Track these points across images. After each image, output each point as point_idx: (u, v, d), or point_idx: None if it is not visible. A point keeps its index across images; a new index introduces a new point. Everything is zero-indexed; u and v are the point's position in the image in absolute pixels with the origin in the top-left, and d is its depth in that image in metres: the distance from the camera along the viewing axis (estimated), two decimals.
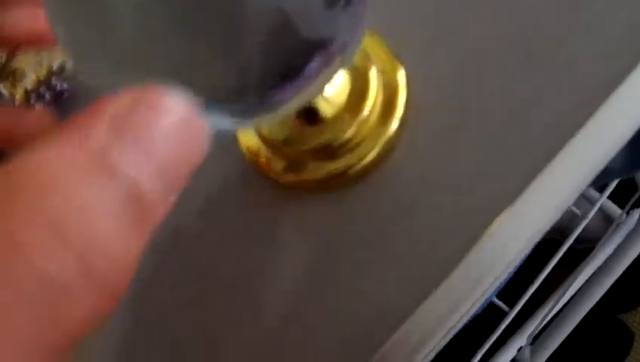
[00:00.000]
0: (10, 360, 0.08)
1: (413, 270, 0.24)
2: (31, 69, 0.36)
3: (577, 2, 0.25)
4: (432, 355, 0.24)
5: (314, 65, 0.17)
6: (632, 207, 0.83)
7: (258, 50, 0.15)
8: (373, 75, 0.25)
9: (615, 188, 0.79)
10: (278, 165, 0.26)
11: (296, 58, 0.16)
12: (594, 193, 0.80)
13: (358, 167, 0.25)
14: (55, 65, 0.34)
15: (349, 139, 0.25)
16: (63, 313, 0.09)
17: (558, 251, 0.74)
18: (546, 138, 0.23)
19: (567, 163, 0.23)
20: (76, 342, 0.09)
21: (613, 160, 0.50)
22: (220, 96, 0.16)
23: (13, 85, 0.36)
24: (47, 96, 0.34)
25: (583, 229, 0.81)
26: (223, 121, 0.17)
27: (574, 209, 0.77)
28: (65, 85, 0.35)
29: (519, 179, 0.23)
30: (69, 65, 0.35)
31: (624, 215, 0.83)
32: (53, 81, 0.34)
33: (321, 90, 0.22)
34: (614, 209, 0.87)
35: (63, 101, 0.35)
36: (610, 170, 0.57)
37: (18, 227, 0.09)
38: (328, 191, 0.26)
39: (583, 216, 0.78)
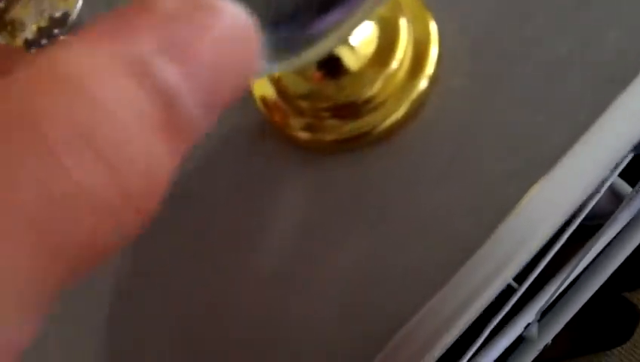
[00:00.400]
0: (11, 258, 0.07)
1: (439, 241, 0.22)
2: (31, 18, 0.33)
3: None
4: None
5: None
6: None
7: None
8: (404, 26, 0.23)
9: (626, 166, 0.77)
10: (295, 122, 0.24)
11: None
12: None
13: (383, 126, 0.23)
14: (57, 14, 0.32)
15: (374, 96, 0.23)
16: (86, 227, 0.08)
17: (567, 228, 0.73)
18: (588, 97, 0.21)
19: (613, 123, 0.21)
20: (88, 269, 0.08)
21: None
22: (269, 16, 0.14)
23: (12, 35, 0.34)
24: (48, 46, 0.32)
25: (594, 206, 0.79)
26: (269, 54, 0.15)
27: None
28: (68, 35, 0.33)
29: (558, 143, 0.21)
30: (72, 13, 0.33)
31: (635, 192, 0.82)
32: (55, 31, 0.32)
33: (362, 20, 0.20)
34: (625, 186, 0.86)
35: None
36: None
37: (45, 124, 0.08)
38: (349, 152, 0.24)
39: (594, 194, 0.77)
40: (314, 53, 0.16)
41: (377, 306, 0.22)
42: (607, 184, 0.77)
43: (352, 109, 0.23)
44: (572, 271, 0.73)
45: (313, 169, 0.25)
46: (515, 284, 0.69)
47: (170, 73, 0.08)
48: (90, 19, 0.32)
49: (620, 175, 0.83)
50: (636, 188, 0.83)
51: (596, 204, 0.83)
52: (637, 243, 0.76)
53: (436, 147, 0.23)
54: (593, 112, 0.21)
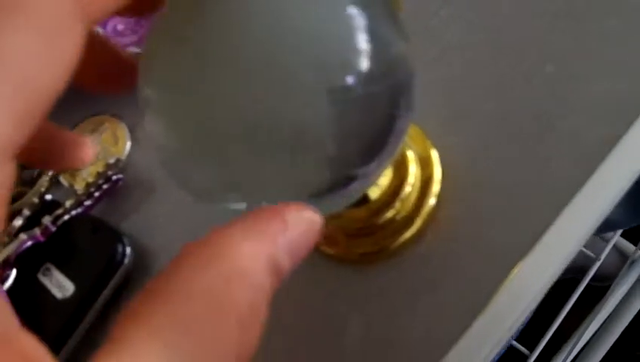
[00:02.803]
0: None
1: (436, 333, 0.27)
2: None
3: (577, 77, 0.28)
4: None
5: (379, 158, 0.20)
6: None
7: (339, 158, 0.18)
8: (411, 156, 0.28)
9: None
10: (325, 238, 0.29)
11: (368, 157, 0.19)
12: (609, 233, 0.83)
13: (398, 242, 0.28)
14: (111, 160, 0.38)
15: (392, 217, 0.28)
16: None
17: (574, 292, 0.76)
18: (553, 197, 0.27)
19: (571, 218, 0.26)
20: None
21: (616, 212, 0.54)
22: (317, 193, 0.19)
23: (73, 177, 0.40)
24: (105, 186, 0.37)
25: (602, 267, 0.82)
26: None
27: (587, 251, 0.79)
28: (119, 176, 0.38)
29: (533, 235, 0.26)
30: (122, 160, 0.38)
31: (638, 251, 0.86)
32: (109, 173, 0.38)
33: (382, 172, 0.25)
34: (629, 246, 0.89)
35: (118, 189, 0.38)
36: (613, 221, 0.60)
37: (227, 300, 0.14)
38: (372, 264, 0.29)
39: (597, 256, 0.80)
40: (352, 200, 0.21)
41: None
42: (610, 246, 0.81)
43: (374, 229, 0.28)
44: (582, 335, 0.75)
45: (336, 278, 0.30)
46: (526, 351, 0.72)
47: (286, 262, 0.15)
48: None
49: (624, 235, 0.87)
50: (639, 245, 0.87)
51: (605, 265, 0.86)
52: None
53: (435, 261, 0.28)
54: (558, 210, 0.26)
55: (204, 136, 0.18)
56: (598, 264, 0.79)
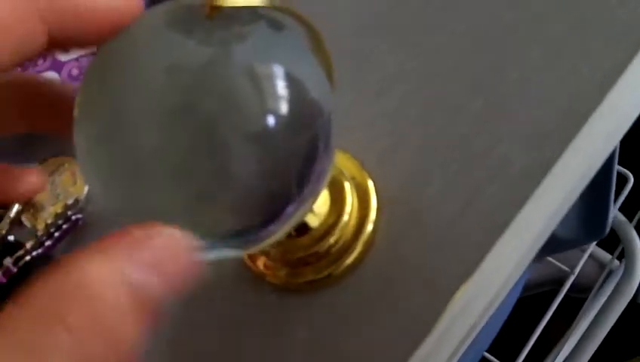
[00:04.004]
0: None
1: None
2: (48, 202, 0.40)
3: (502, 108, 0.30)
4: None
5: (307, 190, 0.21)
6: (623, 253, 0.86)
7: (253, 199, 0.19)
8: (347, 186, 0.30)
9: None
10: (271, 270, 0.30)
11: (285, 198, 0.20)
12: None
13: (341, 268, 0.29)
14: (70, 200, 0.39)
15: (333, 244, 0.29)
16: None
17: (551, 304, 0.77)
18: (482, 231, 0.28)
19: (509, 242, 0.27)
20: None
21: (570, 231, 0.56)
22: (222, 236, 0.20)
23: (35, 217, 0.41)
24: (65, 226, 0.38)
25: (582, 278, 0.83)
26: (225, 251, 0.21)
27: (560, 265, 0.80)
28: (79, 215, 0.39)
29: (473, 259, 0.27)
30: (81, 199, 0.39)
31: (615, 260, 0.87)
32: (69, 212, 0.39)
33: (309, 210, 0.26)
34: (606, 256, 0.90)
35: (78, 228, 0.39)
36: (566, 241, 0.61)
37: (69, 318, 0.13)
38: (315, 291, 0.30)
39: (573, 268, 0.82)
40: (267, 243, 0.22)
41: None
42: (585, 257, 0.82)
43: (316, 256, 0.29)
44: (563, 347, 0.76)
45: (284, 307, 0.31)
46: None
47: (149, 277, 0.15)
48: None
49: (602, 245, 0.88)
50: (615, 254, 0.88)
51: (585, 276, 0.87)
52: (619, 312, 0.79)
53: (376, 284, 0.29)
54: (494, 237, 0.27)
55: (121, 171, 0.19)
56: (572, 277, 0.80)
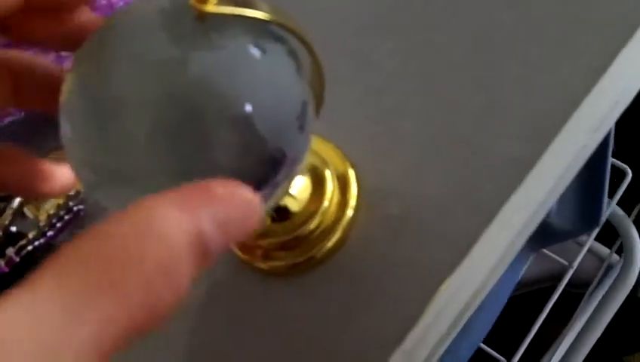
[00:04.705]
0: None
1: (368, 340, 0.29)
2: None
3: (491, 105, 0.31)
4: None
5: (280, 175, 0.22)
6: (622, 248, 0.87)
7: (235, 169, 0.20)
8: (329, 174, 0.31)
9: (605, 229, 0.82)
10: (256, 254, 0.32)
11: (267, 171, 0.22)
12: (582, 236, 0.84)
13: (322, 251, 0.30)
14: (72, 191, 0.41)
15: (314, 229, 0.31)
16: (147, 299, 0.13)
17: (550, 299, 0.78)
18: (469, 219, 0.29)
19: (496, 232, 0.29)
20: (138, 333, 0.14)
21: (566, 222, 0.57)
22: None
23: (37, 208, 0.43)
24: (67, 217, 0.40)
25: (582, 273, 0.84)
26: None
27: (559, 258, 0.81)
28: (80, 206, 0.41)
29: (452, 258, 0.29)
30: (82, 190, 0.41)
31: (613, 254, 0.87)
32: (71, 203, 0.40)
33: (285, 194, 0.28)
34: (605, 250, 0.91)
35: (80, 219, 0.41)
36: (561, 231, 0.62)
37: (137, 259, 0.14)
38: (299, 275, 0.31)
39: (571, 262, 0.82)
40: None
41: None
42: (583, 252, 0.83)
43: (298, 241, 0.31)
44: (562, 342, 0.77)
45: (267, 290, 0.32)
46: (503, 360, 0.73)
47: (215, 237, 0.15)
48: None
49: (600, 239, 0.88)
50: (613, 248, 0.88)
51: (585, 271, 0.88)
52: (618, 306, 0.80)
53: (358, 269, 0.30)
54: (476, 234, 0.29)
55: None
56: (571, 271, 0.80)
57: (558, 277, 0.83)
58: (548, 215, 0.57)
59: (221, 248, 0.15)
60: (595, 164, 0.55)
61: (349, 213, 0.31)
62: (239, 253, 0.33)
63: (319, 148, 0.32)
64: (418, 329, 0.29)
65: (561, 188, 0.31)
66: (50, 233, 0.40)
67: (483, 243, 0.29)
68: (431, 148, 0.31)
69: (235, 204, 0.16)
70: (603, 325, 0.79)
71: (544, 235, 0.64)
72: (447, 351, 0.30)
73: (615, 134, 0.84)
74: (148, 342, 0.33)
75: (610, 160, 0.60)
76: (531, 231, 0.31)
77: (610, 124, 0.31)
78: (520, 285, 0.87)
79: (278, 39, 0.21)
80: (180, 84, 0.19)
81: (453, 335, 0.30)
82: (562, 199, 0.58)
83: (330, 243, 0.31)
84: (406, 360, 0.29)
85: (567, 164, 0.30)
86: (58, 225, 0.40)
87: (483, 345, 0.76)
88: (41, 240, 0.40)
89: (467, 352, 0.62)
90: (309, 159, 0.31)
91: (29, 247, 0.39)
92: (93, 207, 0.41)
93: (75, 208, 0.41)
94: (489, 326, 0.67)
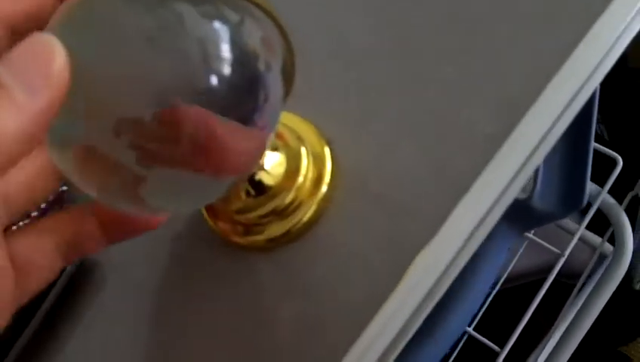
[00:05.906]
0: None
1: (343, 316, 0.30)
2: None
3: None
4: None
5: None
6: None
7: None
8: (304, 152, 0.32)
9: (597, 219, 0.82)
10: (233, 229, 0.32)
11: None
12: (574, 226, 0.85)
13: (298, 226, 0.31)
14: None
15: (290, 203, 0.31)
16: None
17: (541, 288, 0.78)
18: (439, 199, 0.30)
19: (468, 207, 0.29)
20: None
21: (548, 204, 0.57)
22: None
23: None
24: (51, 197, 0.41)
25: (575, 264, 0.84)
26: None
27: (550, 247, 0.81)
28: (64, 188, 0.41)
29: (426, 232, 0.29)
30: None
31: (605, 243, 0.87)
32: None
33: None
34: (597, 239, 0.91)
35: (64, 200, 0.42)
36: (548, 214, 0.63)
37: None
38: (277, 248, 0.32)
39: (562, 252, 0.82)
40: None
41: None
42: (574, 241, 0.83)
43: (274, 215, 0.31)
44: (555, 331, 0.77)
45: (244, 265, 0.33)
46: (496, 348, 0.73)
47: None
48: None
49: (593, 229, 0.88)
50: (605, 237, 0.89)
51: (576, 261, 0.88)
52: (609, 295, 0.80)
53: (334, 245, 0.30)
54: (446, 212, 0.29)
55: None
56: (563, 260, 0.81)
57: (550, 270, 0.83)
58: (531, 197, 0.58)
59: (25, 89, 0.17)
60: (577, 146, 0.55)
61: (324, 188, 0.31)
62: (217, 229, 0.33)
63: (295, 125, 0.33)
64: (392, 301, 0.29)
65: (534, 164, 0.31)
66: (34, 213, 0.40)
67: (455, 217, 0.29)
68: (406, 124, 0.32)
69: (25, 46, 0.17)
70: (595, 314, 0.79)
71: (527, 217, 0.64)
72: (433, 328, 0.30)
73: (606, 123, 0.84)
74: (127, 317, 0.34)
75: (593, 143, 0.60)
76: (505, 206, 0.31)
77: (582, 100, 0.31)
78: (513, 278, 0.87)
79: (244, 9, 0.22)
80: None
81: (430, 307, 0.30)
82: (545, 181, 0.58)
83: (305, 218, 0.31)
84: (380, 333, 0.29)
85: (538, 140, 0.30)
86: (42, 206, 0.41)
87: (476, 334, 0.76)
88: (26, 221, 0.40)
89: (458, 325, 0.62)
90: (287, 137, 0.32)
91: (14, 227, 0.39)
92: (77, 188, 0.42)
93: (59, 189, 0.41)
94: (474, 310, 0.67)
